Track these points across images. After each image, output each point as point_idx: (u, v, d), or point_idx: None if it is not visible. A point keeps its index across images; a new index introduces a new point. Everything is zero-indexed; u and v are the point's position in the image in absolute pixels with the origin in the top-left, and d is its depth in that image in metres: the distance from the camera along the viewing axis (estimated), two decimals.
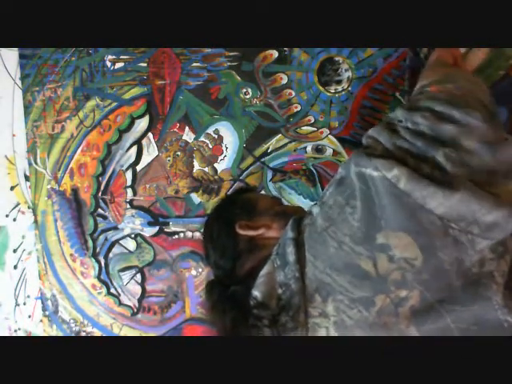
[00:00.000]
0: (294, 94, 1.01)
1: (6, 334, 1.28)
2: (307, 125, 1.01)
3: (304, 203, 1.04)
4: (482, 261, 0.47)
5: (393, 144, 0.49)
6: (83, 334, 1.24)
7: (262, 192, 1.05)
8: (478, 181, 0.46)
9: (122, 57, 1.08)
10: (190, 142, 1.08)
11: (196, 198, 1.10)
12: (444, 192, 0.45)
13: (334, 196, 0.53)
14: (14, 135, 1.19)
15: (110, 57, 1.09)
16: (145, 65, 1.07)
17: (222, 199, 0.79)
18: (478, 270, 0.48)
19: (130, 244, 1.16)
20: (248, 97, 1.03)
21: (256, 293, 0.57)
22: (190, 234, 1.11)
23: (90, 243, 1.19)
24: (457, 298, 0.48)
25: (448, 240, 0.46)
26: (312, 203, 1.03)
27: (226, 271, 0.66)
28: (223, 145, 1.06)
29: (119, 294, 1.19)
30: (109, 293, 1.20)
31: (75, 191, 1.18)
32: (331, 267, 0.51)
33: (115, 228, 1.16)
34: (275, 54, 1.00)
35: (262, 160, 1.04)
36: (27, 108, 1.17)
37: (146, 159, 1.11)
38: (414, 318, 0.49)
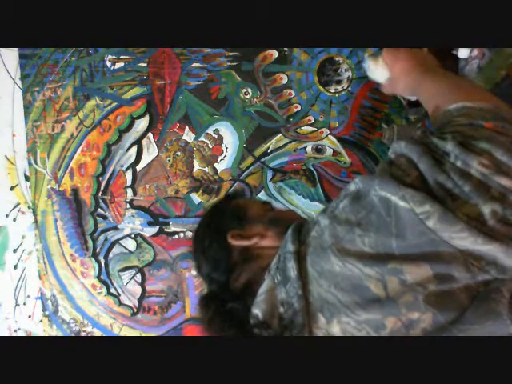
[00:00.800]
0: (294, 93, 1.01)
1: (6, 334, 1.28)
2: (307, 125, 1.01)
3: (304, 203, 1.04)
4: (487, 281, 0.46)
5: (434, 178, 0.45)
6: (83, 334, 1.24)
7: (262, 192, 1.05)
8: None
9: (121, 57, 1.08)
10: (190, 141, 1.08)
11: (196, 197, 1.10)
12: (477, 240, 0.43)
13: (347, 213, 0.49)
14: (14, 135, 1.19)
15: (110, 57, 1.09)
16: (145, 65, 1.07)
17: (209, 208, 0.75)
18: (484, 288, 0.46)
19: (130, 244, 1.16)
20: (248, 97, 1.03)
21: (256, 311, 0.54)
22: (190, 234, 1.11)
23: (90, 243, 1.19)
24: (469, 317, 0.46)
25: (467, 276, 0.45)
26: (312, 203, 1.04)
27: (221, 285, 0.63)
28: (223, 145, 1.06)
29: (119, 294, 1.19)
30: (109, 293, 1.20)
31: (75, 191, 1.18)
32: (336, 286, 0.49)
33: (115, 228, 1.16)
34: (275, 53, 1.00)
35: (262, 160, 1.04)
36: (27, 108, 1.17)
37: (145, 159, 1.11)
38: None
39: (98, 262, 1.19)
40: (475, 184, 0.44)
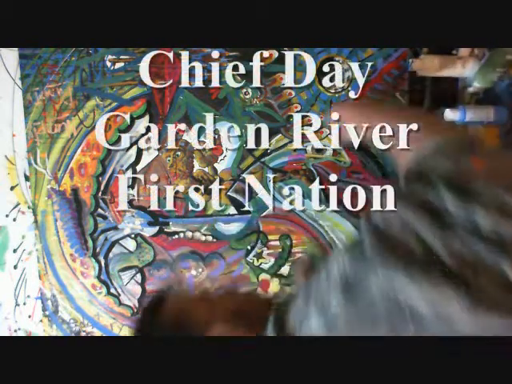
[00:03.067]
0: (294, 93, 1.01)
1: (6, 334, 1.28)
2: (307, 125, 1.01)
3: (304, 203, 1.03)
4: None
5: None
6: (83, 334, 1.24)
7: (262, 192, 1.05)
8: None
9: (122, 57, 1.08)
10: (190, 141, 1.08)
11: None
12: None
13: None
14: (14, 135, 1.19)
15: (110, 57, 1.09)
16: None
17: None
18: None
19: (130, 244, 1.16)
20: (248, 97, 1.03)
21: None
22: (190, 233, 1.11)
23: (90, 243, 1.19)
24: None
25: None
26: (312, 203, 1.03)
27: None
28: (223, 145, 1.06)
29: (119, 294, 1.19)
30: (109, 293, 1.20)
31: (75, 191, 1.17)
32: None
33: (115, 228, 1.16)
34: (275, 53, 1.00)
35: (262, 160, 1.04)
36: (27, 108, 1.17)
37: (146, 159, 1.11)
38: None
39: (98, 262, 1.19)
40: None
